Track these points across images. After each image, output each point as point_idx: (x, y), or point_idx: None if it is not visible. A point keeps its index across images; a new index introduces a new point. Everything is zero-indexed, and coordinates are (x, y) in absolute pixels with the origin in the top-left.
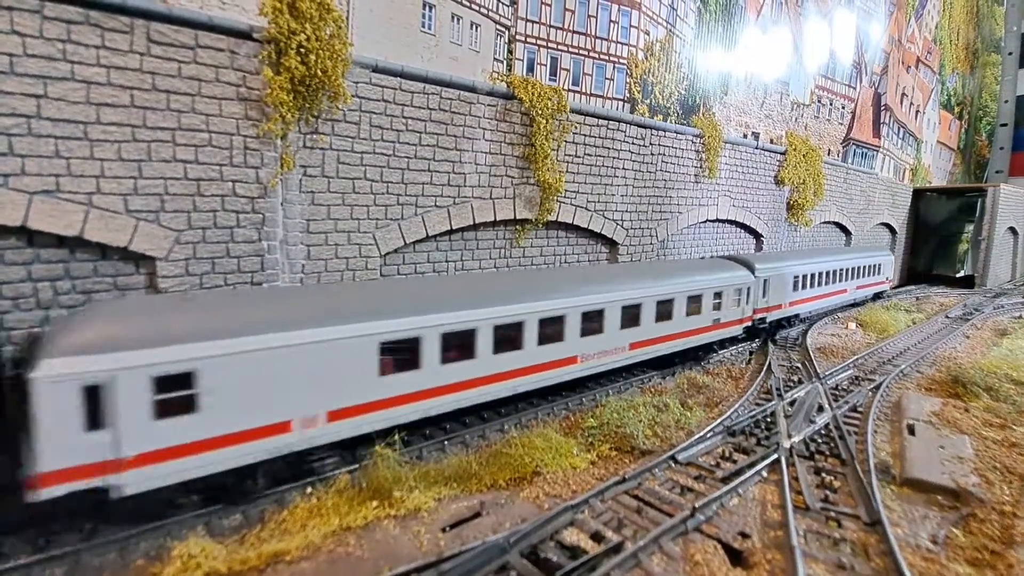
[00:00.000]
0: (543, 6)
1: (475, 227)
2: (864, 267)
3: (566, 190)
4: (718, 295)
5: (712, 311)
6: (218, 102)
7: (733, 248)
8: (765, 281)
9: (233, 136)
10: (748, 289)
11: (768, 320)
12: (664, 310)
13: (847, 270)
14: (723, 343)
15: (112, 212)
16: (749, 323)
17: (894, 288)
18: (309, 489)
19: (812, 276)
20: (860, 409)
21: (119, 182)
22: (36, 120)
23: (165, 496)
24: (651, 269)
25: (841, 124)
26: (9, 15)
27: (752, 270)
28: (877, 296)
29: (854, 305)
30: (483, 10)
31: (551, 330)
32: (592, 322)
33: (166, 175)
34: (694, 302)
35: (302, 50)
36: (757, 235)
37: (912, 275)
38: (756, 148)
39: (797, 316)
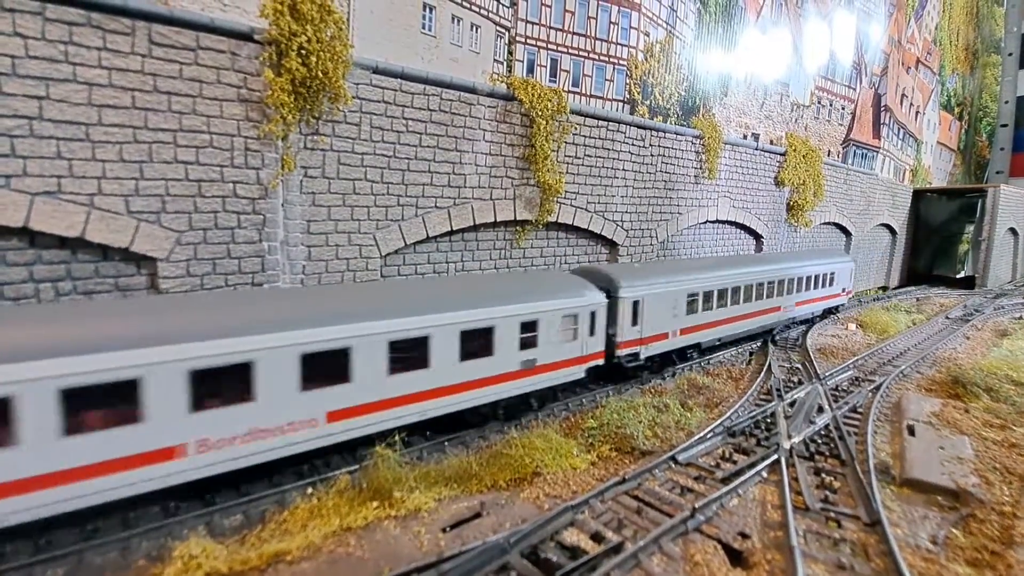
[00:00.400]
0: (543, 8)
1: (475, 228)
2: (809, 278)
3: (566, 191)
4: (530, 327)
5: (519, 351)
6: (219, 103)
7: (734, 249)
8: (635, 303)
9: (234, 137)
10: (593, 316)
11: (644, 356)
12: (409, 356)
13: (780, 283)
14: (553, 392)
15: (113, 213)
16: (599, 361)
17: (894, 289)
18: (310, 490)
19: (722, 293)
20: (860, 410)
21: (120, 183)
22: (38, 122)
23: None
24: (413, 289)
25: (841, 125)
26: (11, 17)
27: (610, 289)
28: (829, 312)
29: (794, 324)
30: (483, 12)
31: (112, 406)
32: (226, 384)
33: (167, 176)
34: (476, 340)
35: (303, 52)
36: (757, 236)
37: (912, 276)
38: (756, 149)
39: (698, 346)
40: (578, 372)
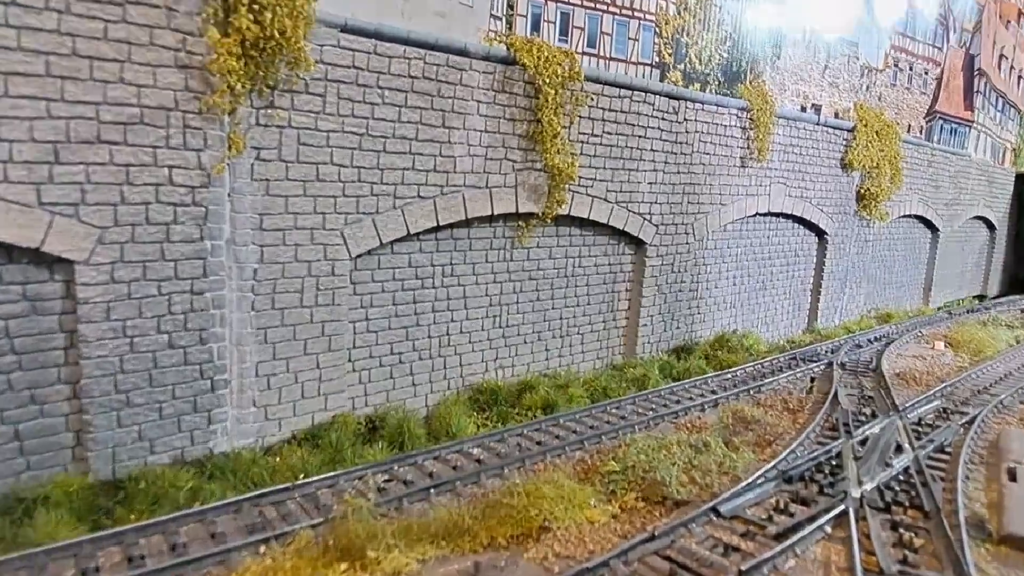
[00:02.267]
0: None
1: (467, 223)
2: None
3: (580, 177)
4: None
5: None
6: (152, 70)
7: (791, 249)
8: None
9: (170, 112)
10: None
11: None
12: None
13: None
14: None
15: (21, 205)
16: None
17: (993, 298)
18: (263, 548)
19: None
20: (948, 449)
21: (30, 168)
22: None
23: None
24: None
25: (924, 94)
26: None
27: None
28: None
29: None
30: None
31: None
32: None
33: (88, 160)
34: None
35: (255, 7)
36: (820, 232)
37: (1016, 282)
38: (817, 124)
39: None
40: None
